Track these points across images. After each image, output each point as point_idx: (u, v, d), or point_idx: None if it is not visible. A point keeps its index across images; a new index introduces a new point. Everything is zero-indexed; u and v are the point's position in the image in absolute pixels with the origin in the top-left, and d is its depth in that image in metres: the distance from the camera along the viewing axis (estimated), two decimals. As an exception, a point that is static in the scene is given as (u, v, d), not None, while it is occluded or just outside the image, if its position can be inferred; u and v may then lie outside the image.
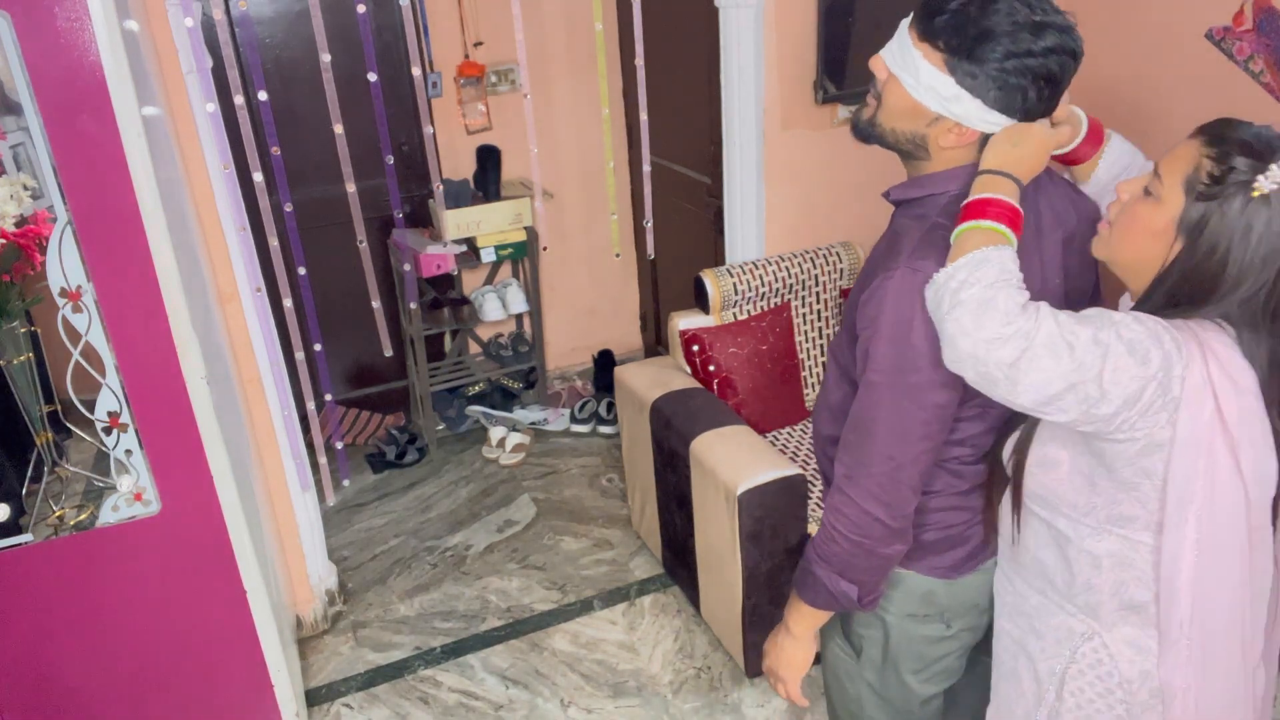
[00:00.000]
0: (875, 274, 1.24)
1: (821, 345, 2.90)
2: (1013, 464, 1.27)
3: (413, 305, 3.42)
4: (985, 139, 1.23)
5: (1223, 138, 1.09)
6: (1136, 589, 1.17)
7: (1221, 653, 1.15)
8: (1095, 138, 1.36)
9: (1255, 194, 1.05)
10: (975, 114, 1.19)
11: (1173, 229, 1.11)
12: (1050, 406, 1.10)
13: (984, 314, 1.08)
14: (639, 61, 2.41)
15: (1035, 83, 1.16)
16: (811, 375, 2.89)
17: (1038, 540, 1.26)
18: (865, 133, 1.30)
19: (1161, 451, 1.10)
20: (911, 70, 1.20)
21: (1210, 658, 1.15)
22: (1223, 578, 1.12)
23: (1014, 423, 1.29)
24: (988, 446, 1.35)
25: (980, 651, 1.52)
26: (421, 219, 3.70)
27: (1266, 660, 1.25)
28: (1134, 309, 1.16)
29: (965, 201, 1.18)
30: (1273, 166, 1.05)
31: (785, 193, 2.89)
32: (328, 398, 2.66)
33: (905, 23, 1.22)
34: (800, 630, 1.41)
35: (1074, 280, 1.35)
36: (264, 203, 2.14)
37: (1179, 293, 1.12)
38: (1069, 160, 1.39)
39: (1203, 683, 1.15)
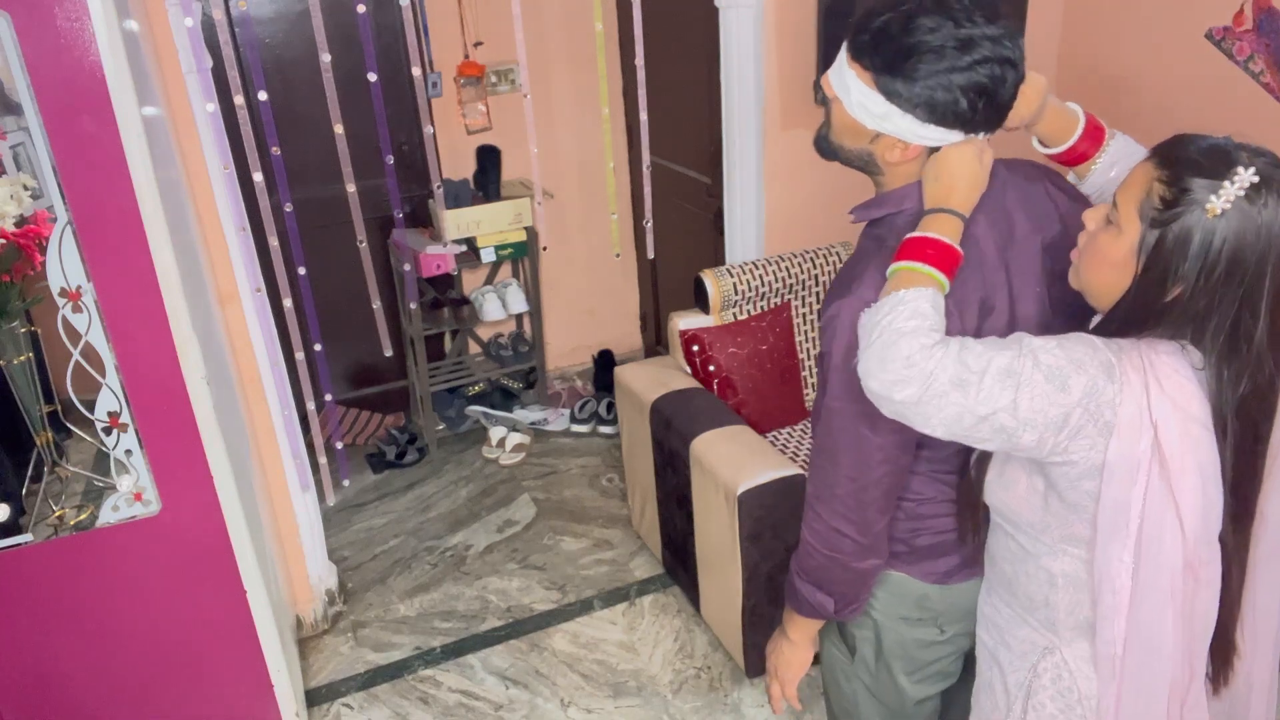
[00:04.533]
0: (833, 299, 1.25)
1: (821, 345, 2.90)
2: (975, 476, 1.27)
3: (413, 305, 3.42)
4: (933, 152, 1.22)
5: (1173, 159, 1.05)
6: (1090, 609, 1.17)
7: (1147, 684, 1.13)
8: (1094, 136, 1.34)
9: (1210, 214, 1.01)
10: (910, 129, 1.18)
11: (1133, 259, 1.08)
12: (967, 438, 1.10)
13: (887, 357, 1.08)
14: (639, 61, 2.41)
15: (965, 95, 1.14)
16: (811, 375, 2.89)
17: (1004, 554, 1.27)
18: (822, 149, 1.32)
19: (1100, 475, 1.09)
20: (844, 89, 1.21)
21: (1135, 685, 1.14)
22: (1156, 610, 1.10)
23: None
24: None
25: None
26: (421, 219, 3.70)
27: (1246, 696, 1.24)
28: (1092, 330, 1.14)
29: (907, 236, 1.17)
30: (1225, 184, 1.00)
31: (785, 193, 2.89)
32: (328, 398, 2.66)
33: (846, 43, 1.22)
34: (796, 636, 1.46)
35: (1059, 287, 1.32)
36: (264, 203, 2.13)
37: (1133, 315, 1.10)
38: (1066, 160, 1.37)
39: (1125, 709, 1.15)
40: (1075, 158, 1.36)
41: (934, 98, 1.14)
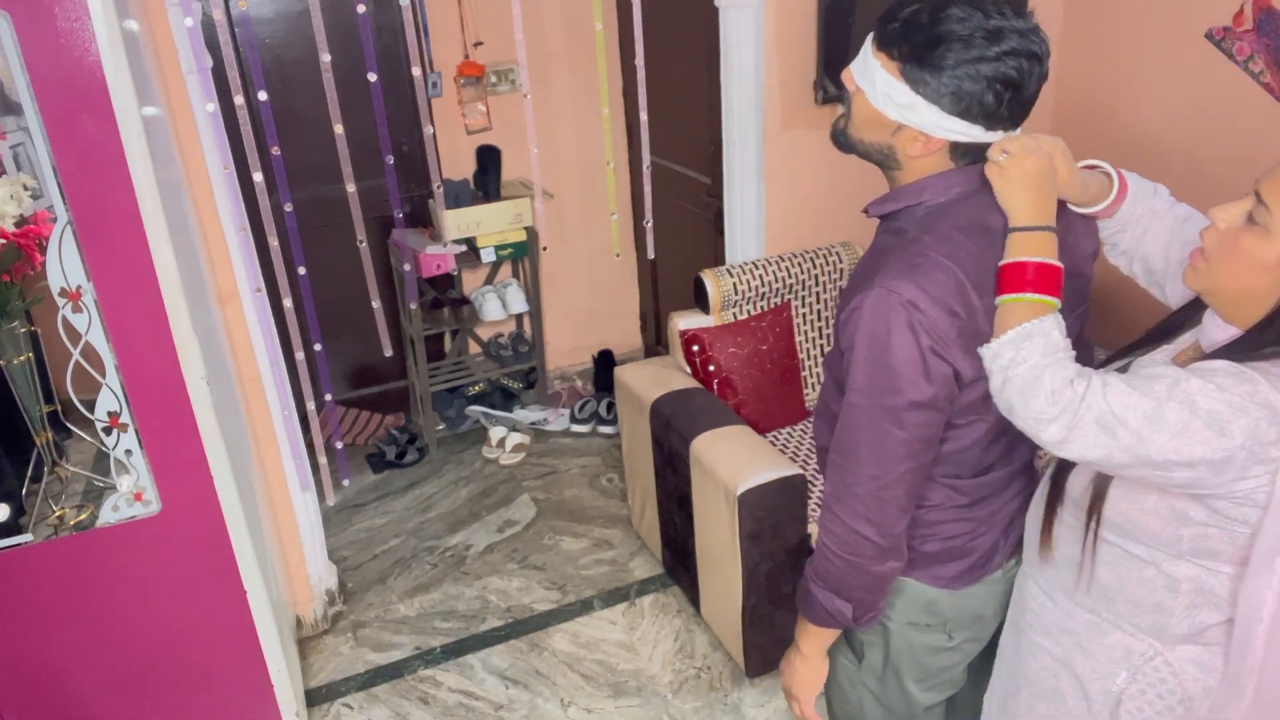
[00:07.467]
0: (854, 293, 1.23)
1: (822, 345, 2.90)
2: (1091, 494, 1.20)
3: (413, 305, 3.42)
4: (954, 147, 1.21)
5: None
6: (1209, 612, 1.14)
7: (1273, 705, 1.10)
8: (1123, 187, 1.34)
9: None
10: (933, 121, 1.17)
11: None
12: (1118, 473, 1.08)
13: (1030, 393, 1.07)
14: (639, 61, 2.40)
15: (991, 87, 1.14)
16: (811, 375, 2.89)
17: (1098, 559, 1.21)
18: (840, 142, 1.32)
19: (1261, 505, 1.05)
20: (869, 79, 1.20)
21: (1263, 704, 1.11)
22: None
23: None
24: (985, 462, 1.32)
25: (981, 659, 1.50)
26: (421, 219, 3.70)
27: None
28: (1238, 342, 1.09)
29: (1002, 263, 1.16)
30: None
31: (785, 193, 2.89)
32: (328, 398, 2.66)
33: (871, 34, 1.22)
34: (809, 649, 1.42)
35: (1067, 285, 1.33)
36: (264, 203, 2.13)
37: None
38: (1100, 215, 1.35)
39: None
40: (1109, 214, 1.35)
41: (961, 88, 1.14)
